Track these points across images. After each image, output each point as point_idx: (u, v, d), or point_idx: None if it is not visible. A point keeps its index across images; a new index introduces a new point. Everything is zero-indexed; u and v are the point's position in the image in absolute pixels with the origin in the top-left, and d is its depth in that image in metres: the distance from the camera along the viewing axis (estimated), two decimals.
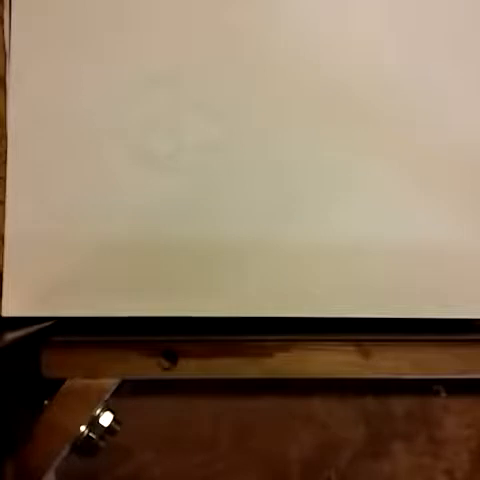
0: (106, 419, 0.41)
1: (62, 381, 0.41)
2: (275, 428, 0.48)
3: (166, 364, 0.41)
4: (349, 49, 0.46)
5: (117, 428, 0.42)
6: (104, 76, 0.45)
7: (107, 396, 0.42)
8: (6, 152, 0.44)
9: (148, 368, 0.41)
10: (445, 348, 0.42)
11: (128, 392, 0.46)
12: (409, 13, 0.46)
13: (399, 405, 0.49)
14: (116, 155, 0.45)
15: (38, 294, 0.44)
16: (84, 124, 0.45)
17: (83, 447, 0.41)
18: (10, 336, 0.39)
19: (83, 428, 0.41)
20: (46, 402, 0.41)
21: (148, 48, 0.45)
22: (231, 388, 0.47)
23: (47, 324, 0.43)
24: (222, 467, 0.48)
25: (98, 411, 0.41)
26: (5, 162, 0.44)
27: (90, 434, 0.41)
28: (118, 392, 0.42)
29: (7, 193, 0.44)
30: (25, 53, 0.45)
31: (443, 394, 0.49)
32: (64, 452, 0.41)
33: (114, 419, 0.42)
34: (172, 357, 0.41)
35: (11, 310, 0.44)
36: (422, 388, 0.49)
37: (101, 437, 0.41)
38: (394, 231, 0.45)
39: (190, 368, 0.41)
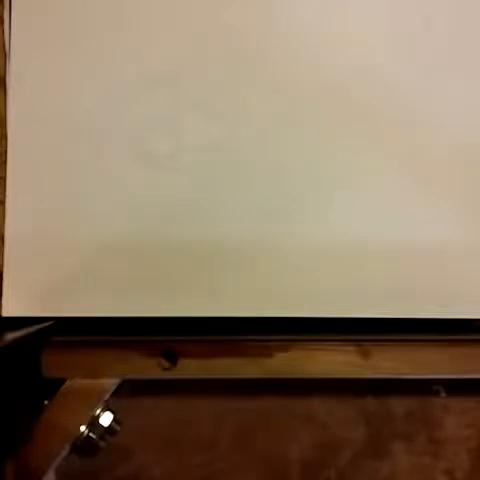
0: (106, 419, 0.41)
1: (62, 381, 0.41)
2: (275, 428, 0.48)
3: (166, 364, 0.41)
4: (349, 49, 0.46)
5: (117, 428, 0.42)
6: (104, 76, 0.45)
7: (107, 396, 0.42)
8: (6, 152, 0.44)
9: (148, 368, 0.41)
10: (445, 348, 0.42)
11: (128, 392, 0.46)
12: (409, 12, 0.46)
13: (399, 405, 0.49)
14: (116, 155, 0.45)
15: (38, 294, 0.44)
16: (84, 124, 0.45)
17: (83, 447, 0.41)
18: (10, 336, 0.39)
19: (83, 428, 0.41)
20: (46, 402, 0.41)
21: (148, 48, 0.45)
22: (231, 388, 0.47)
23: (47, 324, 0.43)
24: (222, 467, 0.48)
25: (98, 411, 0.41)
26: (5, 162, 0.44)
27: (90, 434, 0.41)
28: (118, 392, 0.42)
29: (7, 193, 0.44)
30: (25, 53, 0.45)
31: (443, 394, 0.49)
32: (64, 452, 0.41)
33: (114, 419, 0.42)
34: (172, 357, 0.41)
35: (11, 310, 0.44)
36: (422, 388, 0.49)
37: (101, 437, 0.41)
38: (394, 231, 0.45)
39: (190, 368, 0.41)
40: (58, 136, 0.45)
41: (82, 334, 0.43)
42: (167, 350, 0.41)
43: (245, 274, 0.45)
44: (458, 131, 0.46)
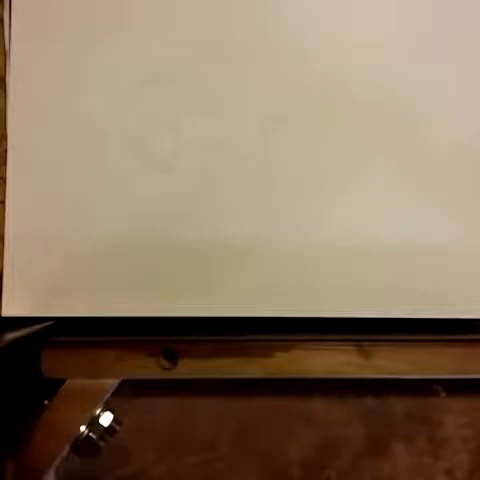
0: (106, 419, 0.41)
1: (62, 381, 0.41)
2: (275, 428, 0.48)
3: (166, 364, 0.41)
4: (349, 49, 0.46)
5: (117, 428, 0.42)
6: (104, 76, 0.45)
7: (107, 396, 0.42)
8: (6, 152, 0.44)
9: (148, 368, 0.41)
10: (445, 348, 0.42)
11: (128, 392, 0.46)
12: (409, 12, 0.46)
13: (399, 405, 0.49)
14: (116, 155, 0.45)
15: (38, 294, 0.44)
16: (84, 124, 0.45)
17: (83, 447, 0.41)
18: (10, 336, 0.39)
19: (83, 428, 0.41)
20: (46, 402, 0.41)
21: (148, 47, 0.45)
22: (231, 388, 0.47)
23: (47, 324, 0.43)
24: (222, 467, 0.48)
25: (98, 411, 0.41)
26: (5, 162, 0.44)
27: (90, 434, 0.41)
28: (118, 392, 0.42)
29: (7, 193, 0.44)
30: (25, 53, 0.45)
31: (443, 394, 0.49)
32: (64, 452, 0.41)
33: (114, 419, 0.42)
34: (172, 357, 0.41)
35: (11, 310, 0.44)
36: (422, 388, 0.49)
37: (101, 437, 0.41)
38: (394, 231, 0.45)
39: (190, 368, 0.41)
40: (58, 136, 0.45)
41: (82, 334, 0.43)
42: (167, 350, 0.41)
43: (245, 274, 0.45)
44: (458, 131, 0.46)
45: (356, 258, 0.45)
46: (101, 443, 0.41)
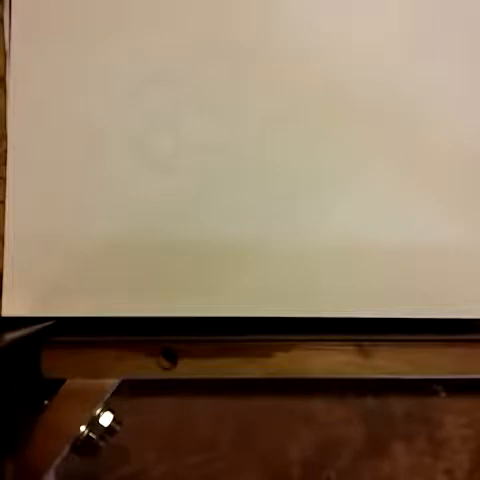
0: (106, 419, 0.41)
1: (62, 381, 0.41)
2: (275, 428, 0.48)
3: (166, 364, 0.41)
4: (349, 49, 0.46)
5: (117, 428, 0.42)
6: (104, 76, 0.45)
7: (107, 396, 0.42)
8: (6, 152, 0.44)
9: (148, 368, 0.41)
10: (445, 348, 0.42)
11: (128, 392, 0.46)
12: (409, 12, 0.46)
13: (399, 405, 0.49)
14: (116, 155, 0.45)
15: (38, 294, 0.44)
16: (84, 124, 0.45)
17: (83, 447, 0.41)
18: (10, 336, 0.39)
19: (83, 428, 0.41)
20: (46, 402, 0.41)
21: (148, 47, 0.45)
22: (231, 388, 0.47)
23: (47, 324, 0.43)
24: (222, 467, 0.48)
25: (98, 411, 0.41)
26: (5, 162, 0.44)
27: (90, 434, 0.41)
28: (118, 392, 0.42)
29: (7, 193, 0.44)
30: (25, 53, 0.45)
31: (443, 394, 0.49)
32: (64, 452, 0.41)
33: (114, 419, 0.42)
34: (172, 357, 0.41)
35: (11, 310, 0.44)
36: (422, 388, 0.49)
37: (101, 437, 0.41)
38: (394, 231, 0.45)
39: (190, 368, 0.41)
40: (58, 136, 0.45)
41: (82, 334, 0.43)
42: (167, 350, 0.41)
43: (245, 274, 0.45)
44: (458, 131, 0.46)
45: (356, 258, 0.45)
46: (101, 443, 0.41)
